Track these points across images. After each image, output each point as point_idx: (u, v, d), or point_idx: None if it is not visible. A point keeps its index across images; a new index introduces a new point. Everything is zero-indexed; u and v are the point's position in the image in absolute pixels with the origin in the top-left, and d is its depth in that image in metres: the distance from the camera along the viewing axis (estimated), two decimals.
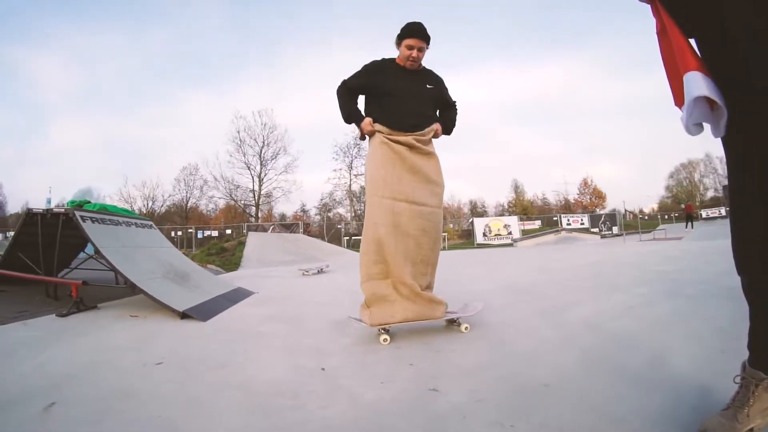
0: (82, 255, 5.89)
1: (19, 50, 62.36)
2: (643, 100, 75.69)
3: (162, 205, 49.47)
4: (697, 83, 1.30)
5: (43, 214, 4.68)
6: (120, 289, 4.67)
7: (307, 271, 8.43)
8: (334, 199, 48.54)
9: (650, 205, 61.73)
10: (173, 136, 68.98)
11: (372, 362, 2.59)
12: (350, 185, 46.03)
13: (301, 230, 27.77)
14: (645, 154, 78.43)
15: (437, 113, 3.59)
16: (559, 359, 2.46)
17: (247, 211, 45.49)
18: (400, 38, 3.31)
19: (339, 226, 32.75)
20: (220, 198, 47.11)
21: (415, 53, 3.29)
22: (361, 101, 3.49)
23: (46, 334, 3.10)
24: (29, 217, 4.83)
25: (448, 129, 3.62)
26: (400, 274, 3.04)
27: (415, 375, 2.34)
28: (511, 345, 2.79)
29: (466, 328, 3.15)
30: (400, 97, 3.29)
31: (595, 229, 32.30)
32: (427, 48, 3.37)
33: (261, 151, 44.69)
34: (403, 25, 3.31)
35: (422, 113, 3.40)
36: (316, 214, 50.84)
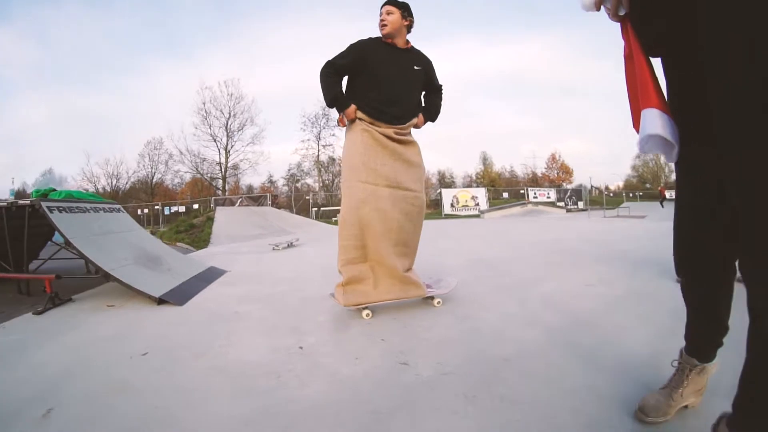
0: (50, 244, 5.89)
1: None
2: (615, 80, 76.52)
3: (127, 183, 48.45)
4: (653, 121, 1.38)
5: (8, 207, 4.65)
6: (93, 278, 4.70)
7: (277, 246, 8.54)
8: (302, 170, 48.27)
9: (616, 183, 63.89)
10: (137, 110, 66.73)
11: (346, 339, 2.78)
12: (318, 156, 45.78)
13: (269, 202, 27.63)
14: (613, 133, 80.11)
15: (422, 96, 3.64)
16: (520, 335, 2.69)
17: (214, 184, 44.88)
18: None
19: (307, 198, 32.59)
20: (186, 172, 46.24)
21: (383, 16, 3.32)
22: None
23: (28, 335, 3.13)
24: None
25: (432, 116, 3.72)
26: (380, 256, 3.18)
27: (387, 350, 2.54)
28: (476, 320, 3.03)
29: (438, 303, 3.39)
30: (385, 79, 3.32)
31: (561, 203, 32.97)
32: (405, 17, 3.38)
33: (227, 123, 43.82)
34: None
35: (406, 99, 3.45)
36: (283, 185, 50.53)
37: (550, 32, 78.58)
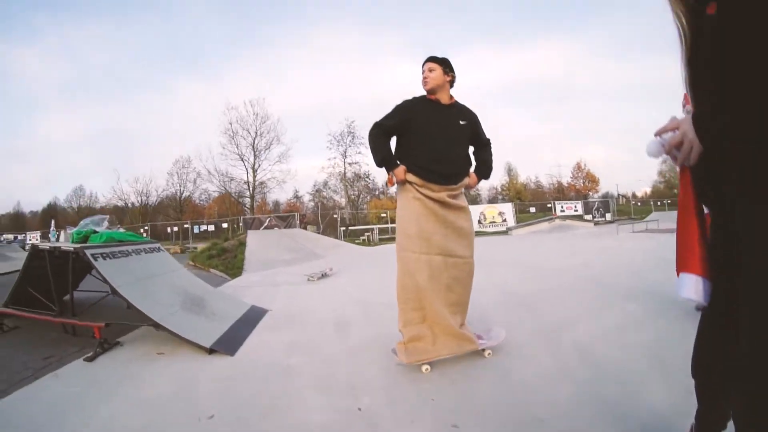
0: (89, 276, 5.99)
1: (4, 46, 61.45)
2: (638, 83, 75.95)
3: (156, 200, 49.45)
4: (689, 286, 1.47)
5: (50, 251, 4.75)
6: (139, 323, 4.73)
7: (312, 277, 8.57)
8: (329, 188, 48.65)
9: (643, 189, 62.35)
10: (166, 129, 68.81)
11: (399, 398, 2.82)
12: (345, 172, 46.07)
13: (297, 222, 27.83)
14: (638, 137, 78.93)
15: (470, 152, 3.69)
16: (554, 392, 2.79)
17: (241, 201, 45.44)
18: None
19: (335, 216, 32.74)
20: (214, 191, 46.99)
21: (425, 73, 3.44)
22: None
23: (84, 387, 3.20)
24: (35, 251, 4.92)
25: (485, 174, 3.75)
26: (437, 316, 3.26)
27: (438, 411, 2.63)
28: (515, 375, 3.11)
29: (489, 354, 3.45)
30: (431, 138, 3.39)
31: (589, 216, 32.47)
32: (447, 72, 3.47)
33: (254, 142, 44.43)
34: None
35: (454, 156, 3.50)
36: (309, 201, 50.97)
37: (564, 35, 78.15)
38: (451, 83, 3.51)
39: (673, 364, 3.01)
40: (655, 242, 12.49)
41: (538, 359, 3.36)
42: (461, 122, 3.50)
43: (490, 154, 3.79)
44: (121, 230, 6.10)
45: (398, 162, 3.43)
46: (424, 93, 3.50)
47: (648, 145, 1.49)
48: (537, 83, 76.11)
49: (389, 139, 3.51)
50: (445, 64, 3.44)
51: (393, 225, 32.95)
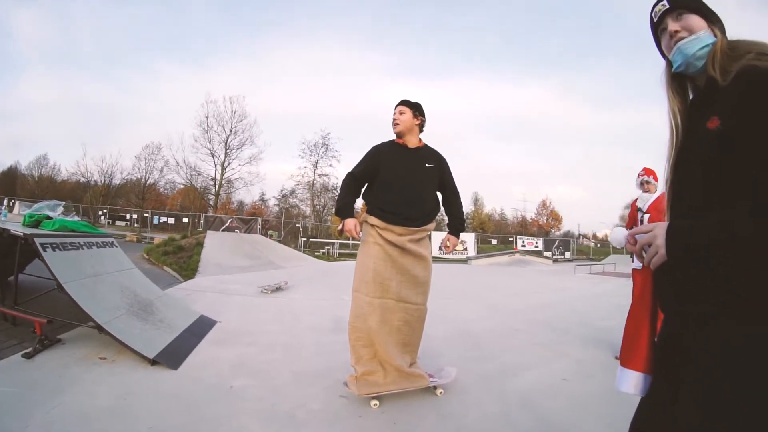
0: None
1: None
2: (609, 131, 78.65)
3: (120, 182, 48.13)
4: (629, 382, 1.49)
5: None
6: (83, 323, 4.55)
7: (266, 289, 8.46)
8: (296, 196, 48.25)
9: (603, 231, 64.40)
10: (140, 111, 66.74)
11: None
12: (313, 183, 45.83)
13: (260, 226, 27.54)
14: (603, 182, 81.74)
15: (437, 196, 3.74)
16: None
17: (206, 198, 44.67)
18: None
19: (298, 225, 32.52)
20: (180, 184, 46.06)
21: (395, 116, 3.54)
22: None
23: (20, 388, 3.07)
24: None
25: (460, 230, 3.85)
26: (387, 356, 3.30)
27: None
28: (458, 419, 3.11)
29: (440, 393, 3.51)
30: (397, 181, 3.46)
31: (548, 253, 33.32)
32: (417, 116, 3.57)
33: (227, 139, 43.60)
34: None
35: (420, 199, 3.55)
36: (275, 205, 50.42)
37: (548, 78, 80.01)
38: (421, 127, 3.63)
39: (620, 423, 3.04)
40: (612, 285, 12.87)
41: (483, 404, 3.39)
42: (428, 165, 3.58)
43: (461, 206, 3.88)
44: (76, 219, 5.91)
45: (363, 209, 3.58)
46: (393, 137, 3.61)
47: (614, 232, 1.54)
48: (514, 119, 77.42)
49: (359, 189, 3.61)
50: (416, 108, 3.55)
51: (354, 241, 33.08)
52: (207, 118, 43.08)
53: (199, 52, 71.56)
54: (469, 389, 3.68)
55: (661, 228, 1.27)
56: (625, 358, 1.50)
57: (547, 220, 58.49)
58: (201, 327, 5.07)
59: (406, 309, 3.44)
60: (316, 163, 45.84)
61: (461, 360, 4.43)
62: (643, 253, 1.35)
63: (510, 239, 38.02)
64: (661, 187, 4.66)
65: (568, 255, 34.87)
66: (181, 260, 11.90)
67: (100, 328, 3.82)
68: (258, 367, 3.94)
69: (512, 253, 29.99)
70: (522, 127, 77.51)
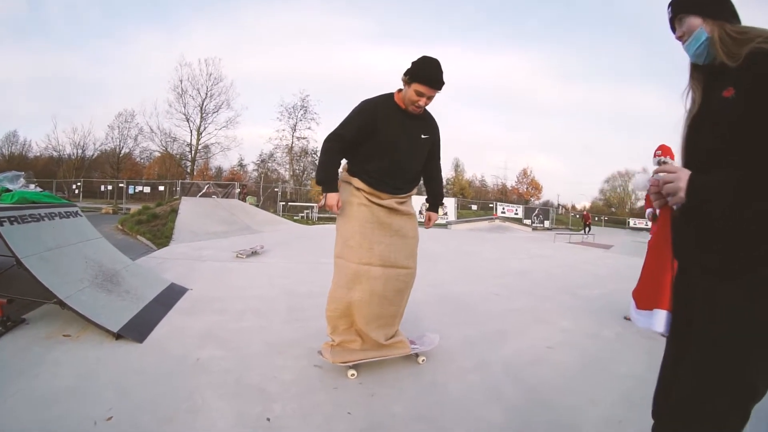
0: None
1: None
2: (594, 106, 79.16)
3: (93, 154, 47.02)
4: (661, 321, 1.55)
5: None
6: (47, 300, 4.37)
7: (241, 253, 8.29)
8: (275, 160, 47.67)
9: (582, 203, 65.94)
10: (111, 78, 64.84)
11: (313, 409, 2.68)
12: (291, 146, 45.24)
13: (237, 190, 27.16)
14: (586, 156, 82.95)
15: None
16: (481, 414, 2.73)
17: (183, 165, 43.94)
18: (412, 79, 2.95)
19: (276, 189, 32.14)
20: (155, 151, 45.19)
21: (423, 102, 3.02)
22: None
23: None
24: None
25: (438, 207, 3.67)
26: (367, 331, 3.12)
27: (351, 426, 2.51)
28: (440, 390, 3.03)
29: (422, 360, 3.42)
30: (392, 149, 3.10)
31: (528, 221, 33.73)
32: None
33: (203, 103, 42.70)
34: (418, 58, 2.99)
35: (410, 170, 3.27)
36: (253, 170, 49.86)
37: (534, 50, 79.96)
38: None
39: (603, 391, 3.11)
40: (591, 255, 12.97)
41: (466, 373, 3.32)
42: (423, 136, 3.23)
43: (442, 182, 3.69)
44: (37, 189, 5.66)
45: (344, 169, 3.27)
46: (390, 92, 3.19)
47: (636, 178, 1.64)
48: (498, 88, 77.17)
49: (346, 153, 3.20)
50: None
51: None
52: (181, 81, 42.23)
53: (171, 15, 69.51)
54: (452, 357, 3.62)
55: (684, 173, 1.40)
56: (654, 300, 1.57)
57: (527, 188, 59.33)
58: (170, 296, 4.92)
59: (398, 275, 3.16)
60: (295, 125, 45.14)
61: (442, 325, 4.36)
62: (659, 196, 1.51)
63: (490, 206, 38.22)
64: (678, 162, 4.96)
65: (547, 224, 35.38)
66: (155, 228, 11.65)
67: (62, 304, 3.63)
68: (227, 336, 3.81)
69: (492, 219, 30.17)
70: (504, 98, 77.65)
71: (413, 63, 2.98)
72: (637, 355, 3.89)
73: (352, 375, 3.08)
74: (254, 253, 8.61)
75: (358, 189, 3.16)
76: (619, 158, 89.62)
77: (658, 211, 1.61)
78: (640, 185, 1.58)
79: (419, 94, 2.96)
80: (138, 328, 3.79)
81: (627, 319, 4.98)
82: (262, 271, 6.95)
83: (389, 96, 3.17)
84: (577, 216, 48.24)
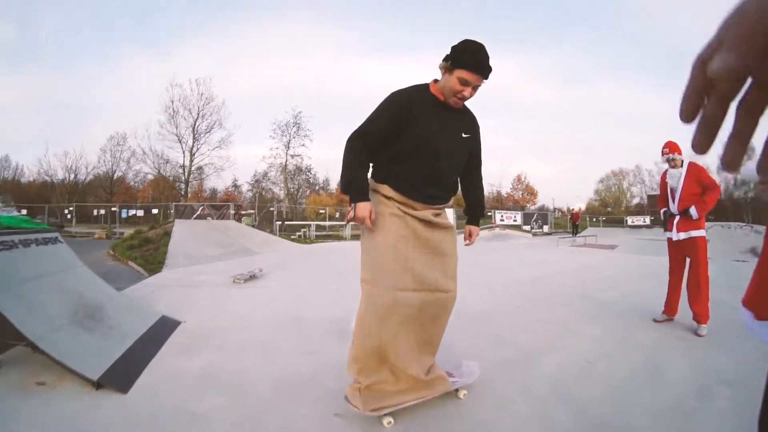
0: None
1: None
2: (584, 107, 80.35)
3: (86, 178, 46.54)
4: None
5: None
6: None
7: (238, 278, 7.68)
8: (269, 179, 47.37)
9: (578, 205, 66.85)
10: (102, 101, 64.62)
11: None
12: (285, 164, 44.92)
13: (232, 211, 26.55)
14: (579, 157, 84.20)
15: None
16: None
17: (176, 187, 43.49)
18: (455, 64, 2.46)
19: (272, 209, 31.57)
20: (147, 173, 44.83)
21: (468, 92, 2.51)
22: None
23: None
24: None
25: (479, 220, 3.09)
26: (402, 365, 2.54)
27: None
28: (490, 429, 2.56)
29: (464, 395, 2.90)
30: (430, 151, 2.56)
31: (527, 227, 33.68)
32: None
33: (195, 124, 42.50)
34: (459, 42, 2.48)
35: (449, 176, 2.71)
36: (248, 190, 49.46)
37: (525, 56, 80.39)
38: None
39: (657, 401, 2.94)
40: (599, 258, 12.72)
41: (514, 404, 2.88)
42: (464, 135, 2.72)
43: (483, 190, 3.13)
44: (15, 213, 5.14)
45: (373, 182, 2.69)
46: (424, 83, 2.68)
47: (749, 166, 1.21)
48: (489, 92, 77.91)
49: (370, 157, 2.65)
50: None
51: (331, 222, 32.30)
52: (173, 102, 42.06)
53: (161, 36, 69.57)
54: (493, 385, 3.14)
55: None
56: None
57: (522, 194, 59.60)
58: (161, 331, 4.32)
59: (436, 300, 2.62)
60: (288, 143, 44.93)
61: (473, 348, 3.88)
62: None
63: (488, 213, 37.86)
64: (687, 157, 4.91)
65: (546, 228, 35.32)
66: (147, 253, 11.07)
67: (33, 347, 3.06)
68: (228, 379, 3.21)
69: (492, 227, 29.79)
70: (496, 102, 77.97)
71: (454, 47, 2.48)
72: (678, 359, 3.75)
73: (389, 423, 2.52)
74: (253, 277, 8.02)
75: (388, 198, 2.63)
76: (612, 158, 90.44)
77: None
78: (754, 174, 1.23)
79: (464, 82, 2.46)
80: (122, 374, 3.20)
81: (656, 321, 4.94)
82: (263, 297, 6.34)
83: (424, 86, 2.65)
84: (567, 215, 48.21)
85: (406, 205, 2.62)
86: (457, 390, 2.89)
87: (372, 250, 2.59)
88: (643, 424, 2.62)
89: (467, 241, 3.08)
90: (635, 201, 63.72)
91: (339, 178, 2.61)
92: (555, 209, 53.20)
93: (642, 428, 2.57)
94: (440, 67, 2.54)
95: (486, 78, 2.50)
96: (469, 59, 2.43)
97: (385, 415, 2.53)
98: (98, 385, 2.99)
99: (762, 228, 30.37)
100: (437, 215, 2.73)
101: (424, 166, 2.58)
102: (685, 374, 3.41)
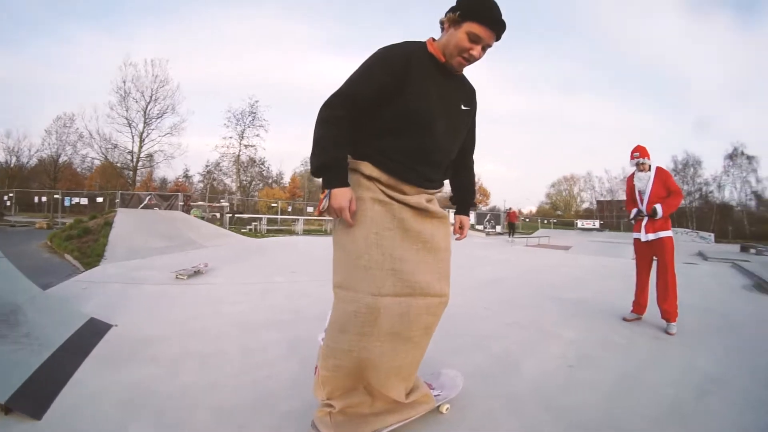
0: None
1: None
2: (537, 114, 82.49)
3: (29, 161, 44.02)
4: None
5: None
6: None
7: (181, 274, 7.09)
8: (221, 170, 46.04)
9: (529, 208, 69.06)
10: (49, 79, 61.31)
11: None
12: (239, 155, 43.71)
13: (181, 202, 25.53)
14: (531, 161, 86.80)
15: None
16: None
17: (124, 175, 41.68)
18: (465, 16, 2.00)
19: (222, 199, 30.63)
20: (94, 158, 42.71)
21: (477, 52, 2.06)
22: None
23: None
24: None
25: (469, 209, 2.69)
26: (384, 389, 2.10)
27: None
28: None
29: (447, 409, 2.57)
30: (427, 119, 2.08)
31: (480, 226, 34.12)
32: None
33: (146, 107, 40.58)
34: None
35: (448, 156, 2.28)
36: (199, 181, 48.04)
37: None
38: None
39: (649, 405, 2.84)
40: (554, 257, 12.81)
41: (500, 419, 2.58)
42: (463, 107, 2.27)
43: (474, 175, 2.72)
44: None
45: (354, 158, 2.18)
46: (420, 40, 2.19)
47: None
48: None
49: (350, 130, 2.06)
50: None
51: (284, 216, 31.54)
52: (125, 83, 39.99)
53: (115, 10, 66.47)
54: (474, 396, 2.81)
55: None
56: None
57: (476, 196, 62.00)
58: (87, 337, 3.73)
59: (428, 307, 2.14)
60: (243, 132, 43.64)
61: (448, 355, 3.56)
62: None
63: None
64: (655, 162, 5.07)
65: (499, 228, 35.81)
66: (85, 245, 10.21)
67: None
68: (160, 402, 2.67)
69: None
70: None
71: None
72: (659, 359, 3.78)
73: None
74: (197, 273, 7.43)
75: (369, 178, 2.13)
76: (563, 163, 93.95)
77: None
78: None
79: (474, 38, 2.02)
80: (36, 395, 2.64)
81: (626, 320, 5.06)
82: (206, 296, 5.79)
83: (422, 44, 2.17)
84: (527, 220, 49.14)
85: (393, 189, 2.13)
86: (438, 405, 2.52)
87: (348, 247, 2.09)
88: (641, 429, 2.51)
89: (458, 235, 2.72)
90: (585, 206, 66.09)
91: (309, 157, 2.04)
92: (507, 210, 55.05)
93: None
94: (444, 21, 2.11)
95: (498, 38, 2.07)
96: (484, 11, 2.00)
97: None
98: (7, 410, 2.44)
99: (706, 234, 31.72)
100: (430, 201, 2.29)
101: (418, 143, 2.10)
102: (671, 375, 3.39)
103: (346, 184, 2.03)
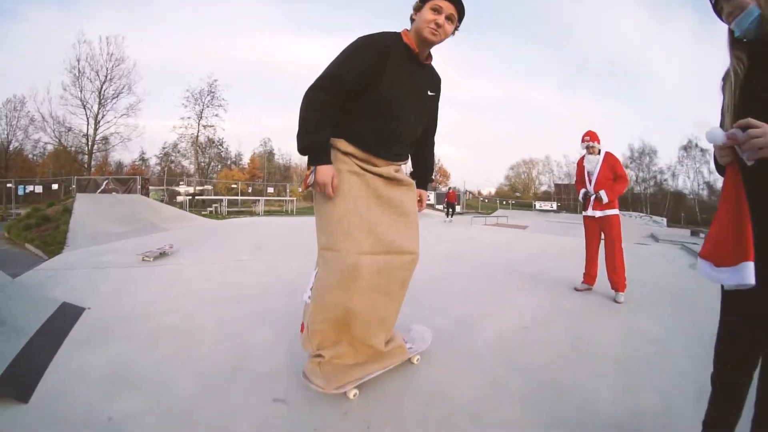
0: None
1: None
2: (497, 98, 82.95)
3: None
4: (750, 274, 1.42)
5: None
6: None
7: (147, 256, 7.07)
8: (178, 151, 44.87)
9: (488, 189, 70.07)
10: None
11: None
12: (197, 136, 42.63)
13: (139, 186, 25.03)
14: (491, 144, 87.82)
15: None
16: (505, 417, 2.37)
17: (79, 159, 40.18)
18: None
19: (181, 183, 30.10)
20: (47, 143, 40.87)
21: (441, 20, 2.29)
22: None
23: None
24: None
25: (427, 183, 2.93)
26: (366, 339, 2.39)
27: None
28: (448, 401, 2.51)
29: (417, 360, 2.93)
30: (398, 105, 2.38)
31: (440, 206, 34.49)
32: (458, 27, 2.40)
33: (102, 87, 38.50)
34: None
35: (413, 136, 2.56)
36: (156, 164, 46.86)
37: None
38: None
39: (597, 365, 3.11)
40: (511, 235, 13.26)
41: (464, 375, 2.86)
42: (430, 93, 2.58)
43: (434, 153, 2.99)
44: None
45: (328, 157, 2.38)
46: (395, 31, 2.45)
47: (712, 131, 1.53)
48: None
49: (337, 111, 2.34)
50: (461, 18, 2.43)
51: (244, 197, 31.23)
52: (78, 61, 37.85)
53: None
54: (438, 354, 3.10)
55: None
56: (738, 254, 1.47)
57: (436, 176, 62.04)
58: (62, 322, 3.76)
59: (402, 264, 2.46)
60: (201, 113, 42.38)
61: (413, 319, 3.72)
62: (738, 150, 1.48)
63: None
64: (604, 147, 5.46)
65: (458, 209, 36.15)
66: (45, 233, 10.02)
67: None
68: (144, 375, 2.80)
69: None
70: None
71: None
72: (605, 322, 4.11)
73: (355, 395, 2.42)
74: (163, 254, 7.42)
75: (345, 153, 2.40)
76: (522, 147, 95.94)
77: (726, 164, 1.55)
78: (718, 139, 1.51)
79: (436, 9, 2.29)
80: (20, 380, 2.70)
81: (577, 290, 5.41)
82: (176, 276, 5.84)
83: (397, 35, 2.42)
84: (486, 201, 50.08)
85: (367, 162, 2.42)
86: (410, 357, 2.83)
87: (330, 214, 2.36)
88: (591, 383, 2.77)
89: (420, 208, 2.93)
90: (543, 188, 67.86)
91: (296, 136, 2.31)
92: (466, 191, 55.39)
93: (591, 387, 2.71)
94: (412, 12, 2.39)
95: (458, 7, 2.33)
96: None
97: (351, 389, 2.41)
98: None
99: (659, 218, 32.73)
100: (398, 171, 2.58)
101: (389, 125, 2.40)
102: (617, 336, 3.71)
103: (329, 162, 2.30)
